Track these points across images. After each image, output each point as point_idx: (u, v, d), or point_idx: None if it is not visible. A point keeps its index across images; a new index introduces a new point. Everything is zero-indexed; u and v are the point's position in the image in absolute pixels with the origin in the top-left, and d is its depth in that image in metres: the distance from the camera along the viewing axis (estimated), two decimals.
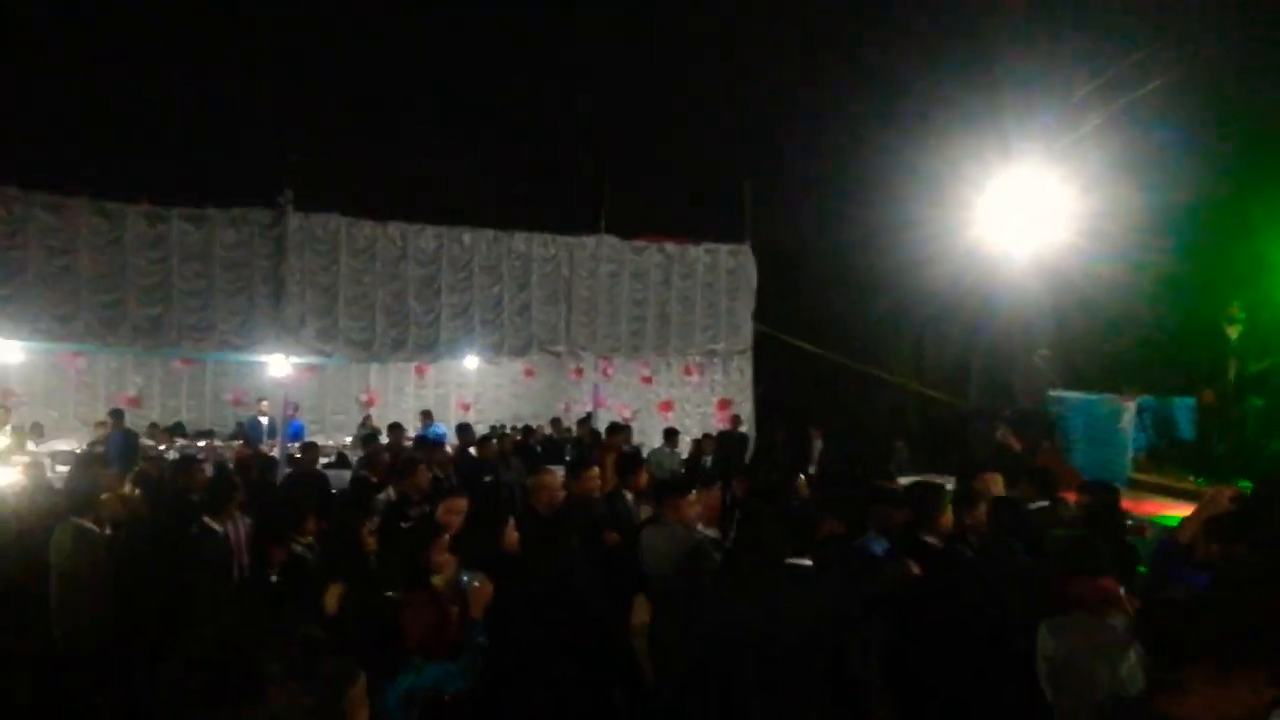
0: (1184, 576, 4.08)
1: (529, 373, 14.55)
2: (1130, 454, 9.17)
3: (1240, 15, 12.18)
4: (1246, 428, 8.89)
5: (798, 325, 13.11)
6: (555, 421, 12.82)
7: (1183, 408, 9.37)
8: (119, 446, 8.96)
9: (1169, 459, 9.18)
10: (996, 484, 5.71)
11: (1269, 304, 9.25)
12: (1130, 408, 9.09)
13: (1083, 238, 10.60)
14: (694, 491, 4.98)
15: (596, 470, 6.13)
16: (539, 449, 10.20)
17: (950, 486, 5.50)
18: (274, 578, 3.79)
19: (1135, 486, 8.61)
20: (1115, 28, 12.67)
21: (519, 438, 10.73)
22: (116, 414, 10.21)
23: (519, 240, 11.82)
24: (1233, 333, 9.13)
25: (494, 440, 9.53)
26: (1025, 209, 10.42)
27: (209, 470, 6.54)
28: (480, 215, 11.94)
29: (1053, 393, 9.61)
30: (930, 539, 4.45)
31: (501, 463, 8.19)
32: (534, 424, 12.30)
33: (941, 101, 12.16)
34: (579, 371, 14.00)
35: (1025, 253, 10.60)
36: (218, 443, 11.18)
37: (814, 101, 13.60)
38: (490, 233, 11.80)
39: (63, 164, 10.68)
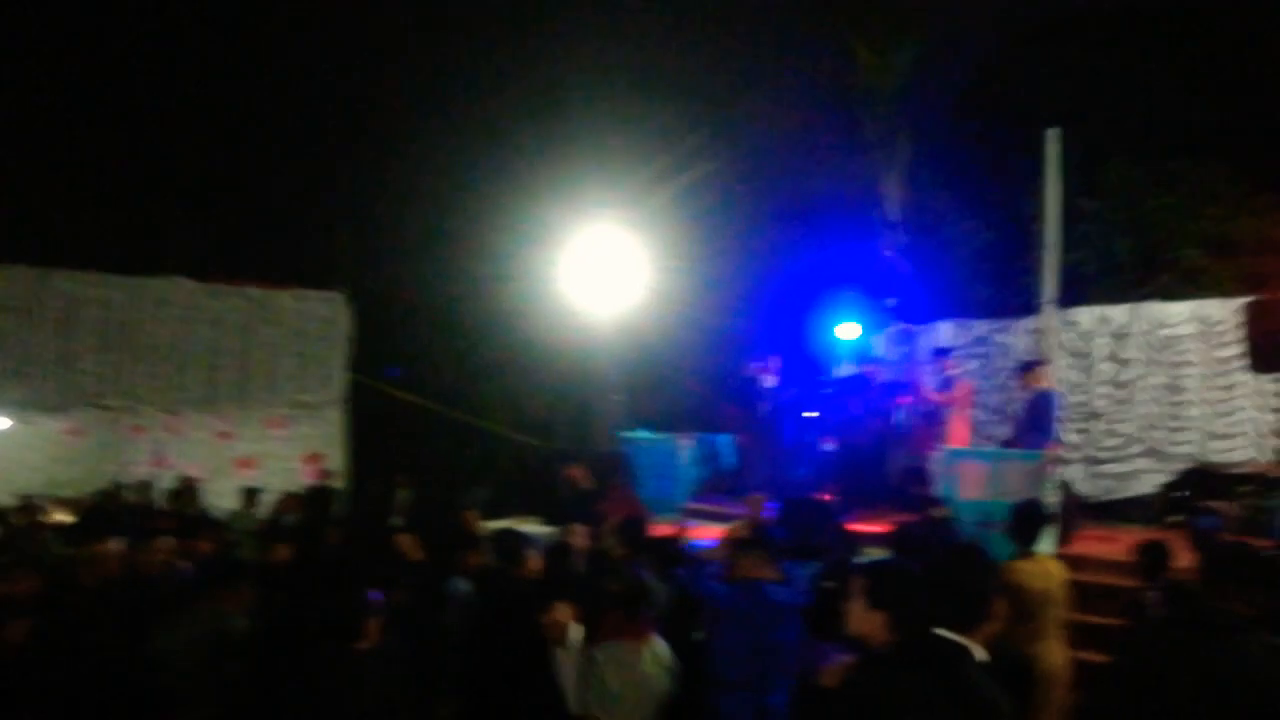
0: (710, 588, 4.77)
1: (74, 432, 12.61)
2: (689, 486, 10.42)
3: (788, 115, 14.71)
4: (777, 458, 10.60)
5: (399, 375, 13.02)
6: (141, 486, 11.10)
7: (726, 443, 10.87)
8: None
9: (717, 488, 10.62)
10: (580, 535, 6.18)
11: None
12: (687, 445, 10.37)
13: (658, 295, 11.98)
14: None
15: (170, 541, 5.71)
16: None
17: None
18: None
19: (689, 515, 9.82)
20: (683, 112, 14.60)
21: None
22: None
23: (60, 279, 10.33)
24: (768, 381, 10.86)
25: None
26: (613, 268, 11.47)
27: None
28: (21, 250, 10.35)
29: (624, 434, 10.64)
30: None
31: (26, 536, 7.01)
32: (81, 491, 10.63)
33: (534, 165, 13.00)
34: (139, 429, 12.46)
35: (608, 308, 11.64)
36: None
37: (413, 148, 13.76)
38: (28, 270, 10.21)
39: None
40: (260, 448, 12.43)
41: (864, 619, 2.83)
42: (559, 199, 11.98)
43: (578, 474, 8.06)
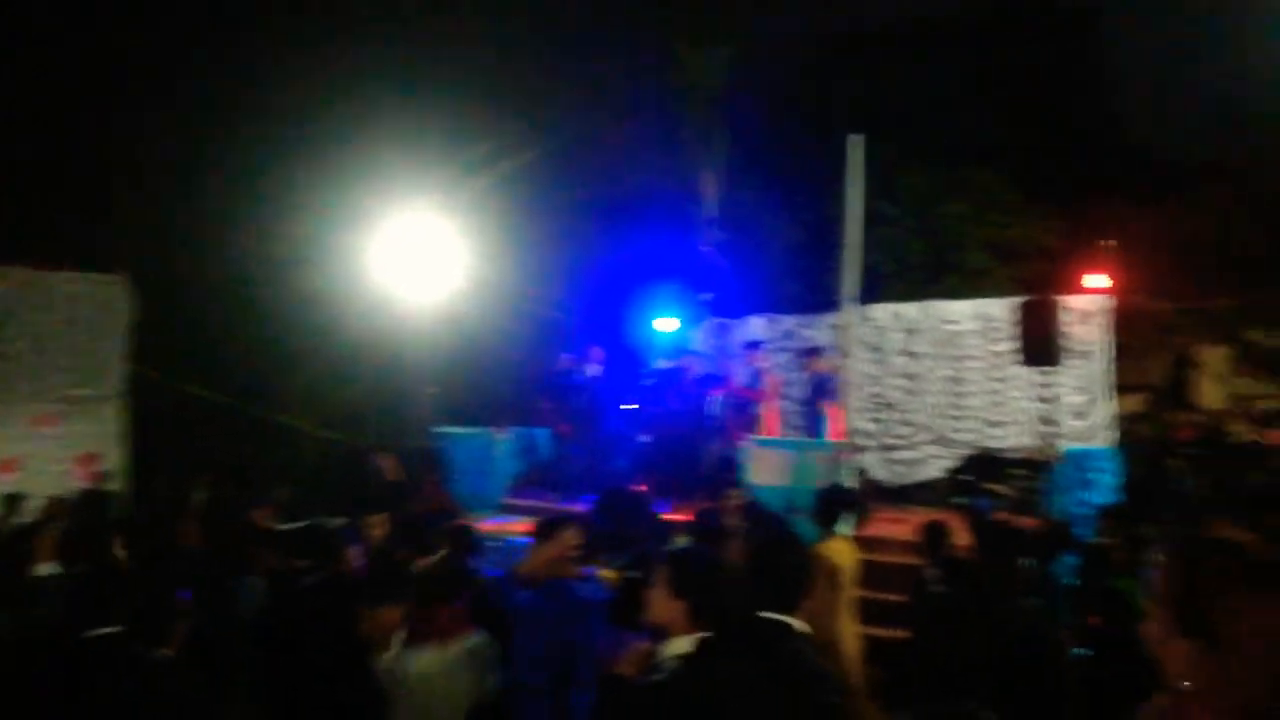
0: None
1: None
2: (506, 481, 10.25)
3: (584, 113, 14.77)
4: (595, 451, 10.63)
5: (189, 366, 12.02)
6: None
7: (544, 436, 10.77)
8: None
9: (534, 482, 10.54)
10: (381, 524, 6.04)
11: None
12: (503, 439, 10.19)
13: (474, 286, 11.68)
14: None
15: None
16: None
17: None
18: None
19: (506, 510, 9.67)
20: (500, 104, 14.37)
21: None
22: None
23: None
24: (590, 372, 10.83)
25: None
26: (426, 255, 11.04)
27: None
28: None
29: (439, 428, 10.32)
30: None
31: None
32: None
33: (344, 148, 12.35)
34: None
35: (426, 297, 11.24)
36: None
37: (209, 123, 12.78)
38: None
39: None
40: (24, 448, 11.11)
41: (666, 607, 2.83)
42: (371, 183, 11.46)
43: (386, 464, 7.75)
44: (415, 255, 11.03)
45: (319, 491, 10.59)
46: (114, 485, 10.34)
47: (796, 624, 2.74)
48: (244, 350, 11.63)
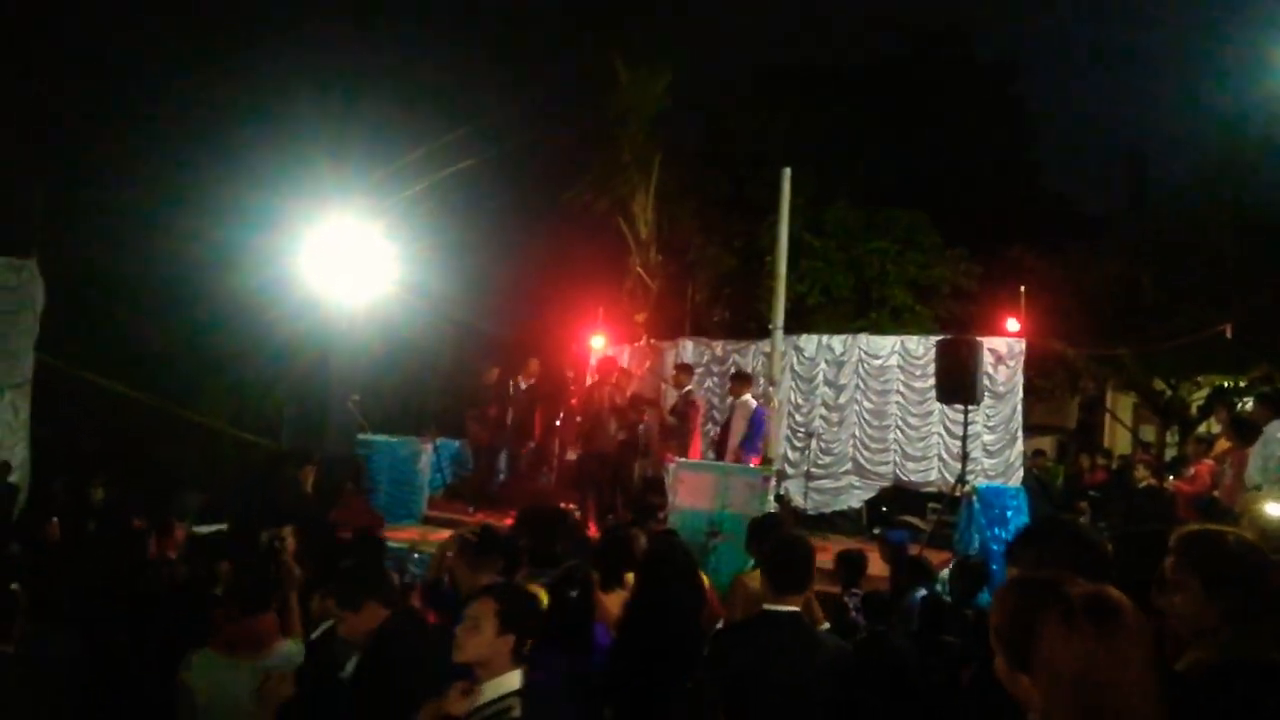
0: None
1: None
2: (427, 492, 10.12)
3: (528, 124, 14.81)
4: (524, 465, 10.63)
5: (100, 359, 11.50)
6: None
7: (470, 447, 10.66)
8: None
9: (460, 494, 10.42)
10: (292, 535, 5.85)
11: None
12: (428, 449, 10.06)
13: (403, 291, 11.52)
14: None
15: None
16: None
17: None
18: None
19: (428, 521, 9.56)
20: (433, 109, 14.28)
21: None
22: None
23: None
24: (526, 383, 10.77)
25: None
26: (354, 261, 10.83)
27: None
28: None
29: (361, 436, 10.12)
30: None
31: None
32: None
33: (274, 152, 12.05)
34: None
35: (353, 302, 11.01)
36: None
37: (133, 114, 12.36)
38: None
39: None
40: None
41: (490, 644, 2.70)
42: (301, 186, 11.22)
43: (304, 473, 7.58)
44: (344, 260, 10.83)
45: (236, 498, 10.27)
46: (14, 479, 9.82)
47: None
48: (165, 348, 11.21)
